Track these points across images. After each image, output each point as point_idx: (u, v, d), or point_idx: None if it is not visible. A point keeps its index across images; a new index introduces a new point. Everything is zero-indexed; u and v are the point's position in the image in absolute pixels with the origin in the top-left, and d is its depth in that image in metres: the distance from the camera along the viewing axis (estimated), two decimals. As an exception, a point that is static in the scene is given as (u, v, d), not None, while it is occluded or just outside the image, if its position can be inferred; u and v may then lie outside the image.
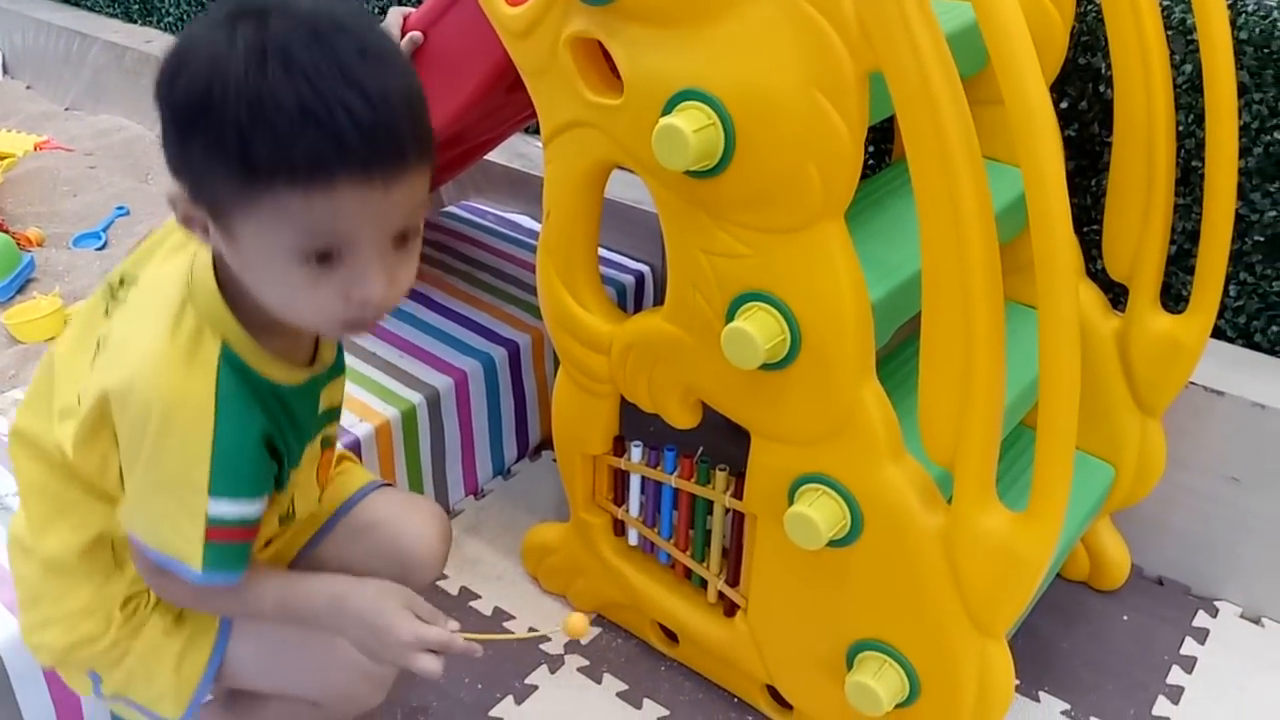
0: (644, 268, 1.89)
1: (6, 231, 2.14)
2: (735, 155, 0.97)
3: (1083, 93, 1.42)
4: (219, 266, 0.82)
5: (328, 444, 1.01)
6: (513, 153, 2.02)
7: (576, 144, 1.12)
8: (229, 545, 0.84)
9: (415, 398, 1.54)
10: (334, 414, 1.00)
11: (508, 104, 1.39)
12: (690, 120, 0.95)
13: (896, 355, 1.31)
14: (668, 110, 0.98)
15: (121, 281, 0.89)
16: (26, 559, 0.96)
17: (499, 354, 1.65)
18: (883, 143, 1.60)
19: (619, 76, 1.04)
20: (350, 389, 1.52)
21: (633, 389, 1.21)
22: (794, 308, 1.00)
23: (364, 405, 1.52)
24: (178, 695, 0.97)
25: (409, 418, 1.53)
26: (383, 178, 0.71)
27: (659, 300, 1.90)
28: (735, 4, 0.92)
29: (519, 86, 1.17)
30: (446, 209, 2.09)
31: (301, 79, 0.68)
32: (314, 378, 0.91)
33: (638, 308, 1.88)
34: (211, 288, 0.82)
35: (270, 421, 0.85)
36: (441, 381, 1.58)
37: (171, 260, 0.86)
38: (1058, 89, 1.40)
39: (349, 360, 1.56)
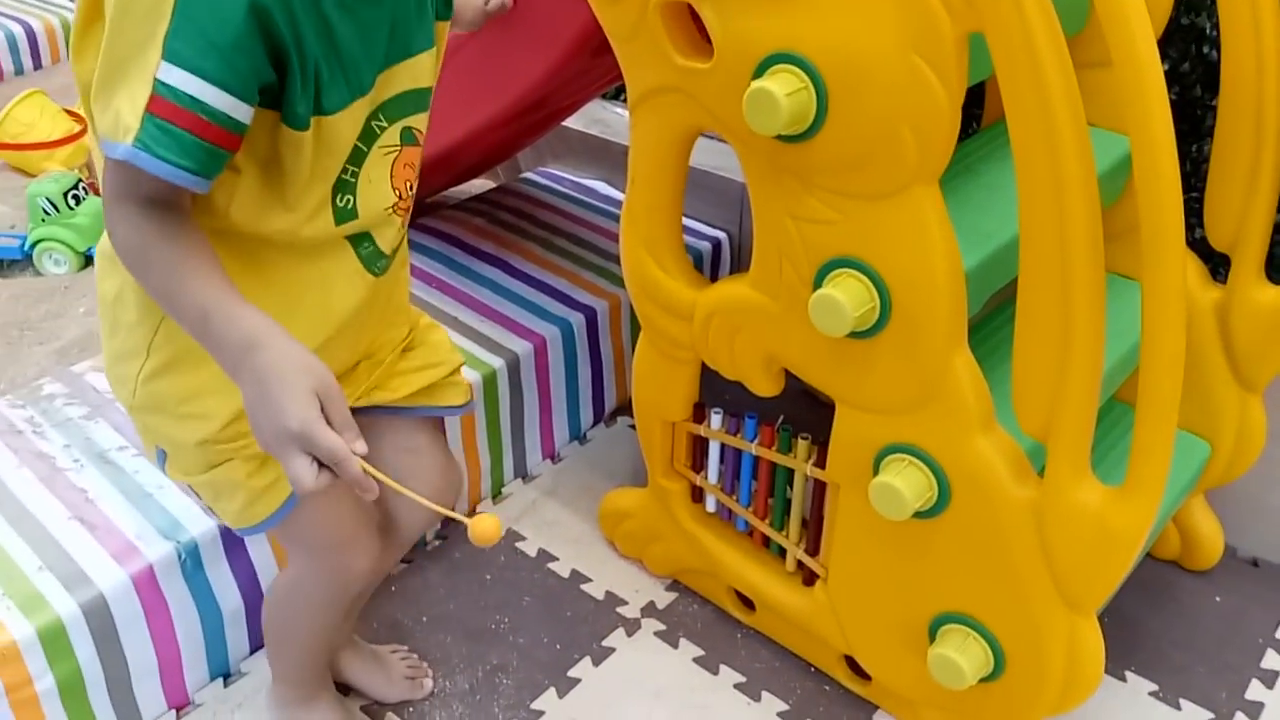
0: (721, 234, 1.87)
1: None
2: (827, 119, 0.95)
3: (1185, 54, 1.37)
4: None
5: (410, 139, 0.88)
6: (590, 119, 2.02)
7: (664, 109, 1.11)
8: (172, 126, 0.70)
9: (496, 362, 1.55)
10: (419, 99, 0.87)
11: (592, 69, 1.39)
12: (782, 83, 0.94)
13: (988, 323, 1.28)
14: (759, 74, 0.97)
15: None
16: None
17: (577, 320, 1.66)
18: (973, 106, 1.55)
19: (708, 40, 1.03)
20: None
21: (715, 356, 1.20)
22: (884, 275, 0.99)
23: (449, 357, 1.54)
24: (239, 520, 0.97)
25: (490, 382, 1.54)
26: None
27: (736, 268, 1.89)
28: (831, -37, 0.90)
29: (605, 50, 1.16)
30: (524, 175, 2.10)
31: None
32: None
33: (714, 275, 1.88)
34: None
35: (280, 7, 0.71)
36: (521, 347, 1.59)
37: None
38: (1160, 49, 1.35)
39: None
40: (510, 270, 1.77)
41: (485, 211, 1.96)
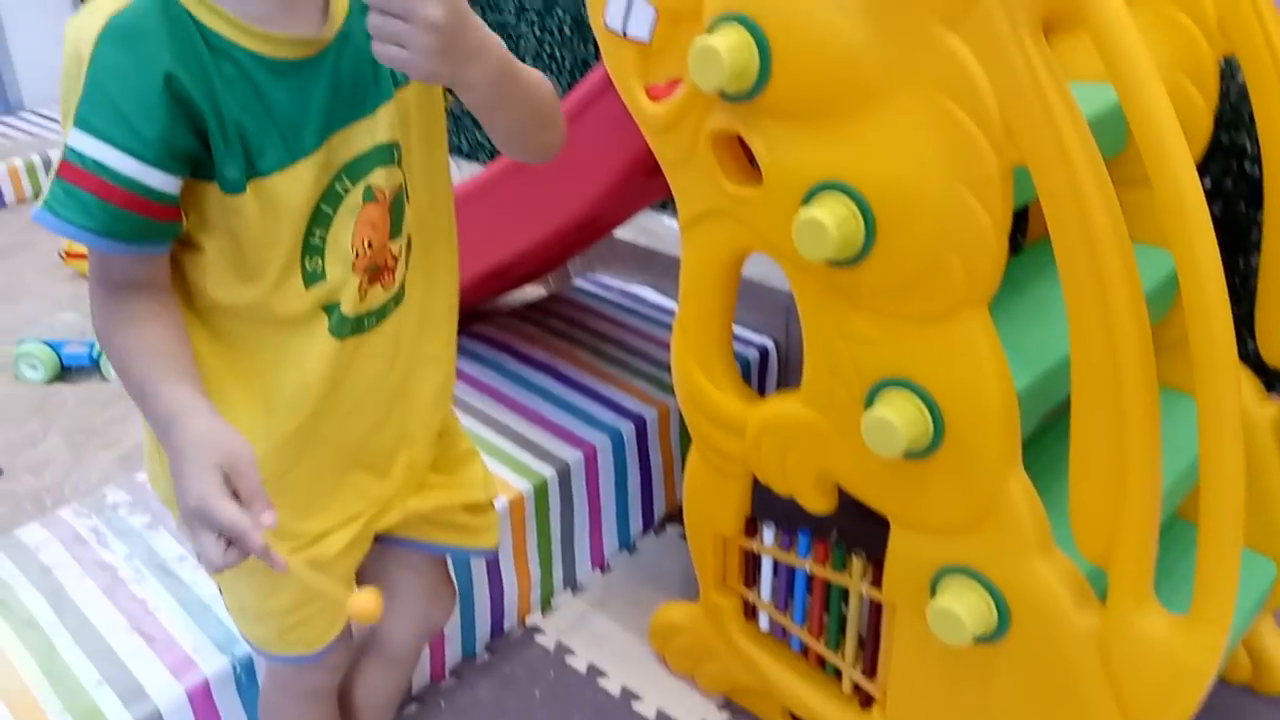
0: (768, 342, 1.89)
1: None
2: (876, 245, 0.97)
3: (1227, 170, 1.38)
4: None
5: (370, 196, 0.85)
6: (639, 228, 2.06)
7: (714, 232, 1.14)
8: (76, 189, 0.72)
9: (547, 471, 1.57)
10: (381, 155, 0.85)
11: (645, 189, 1.43)
12: (831, 212, 0.96)
13: (1042, 438, 1.27)
14: (807, 201, 0.99)
15: None
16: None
17: (626, 428, 1.67)
18: (1017, 221, 1.57)
19: (757, 167, 1.06)
20: (485, 461, 1.57)
21: (767, 471, 1.20)
22: (936, 395, 0.99)
23: (497, 478, 1.55)
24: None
25: (541, 492, 1.56)
26: None
27: (783, 375, 1.91)
28: (877, 101, 0.93)
29: (657, 172, 1.20)
30: (574, 282, 2.14)
31: None
32: (314, 59, 0.79)
33: (762, 383, 1.89)
34: None
35: (193, 76, 0.73)
36: (572, 455, 1.60)
37: None
38: (1201, 168, 1.36)
39: (481, 431, 1.62)
40: (561, 377, 1.80)
41: (536, 319, 2.00)
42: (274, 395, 0.87)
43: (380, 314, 0.90)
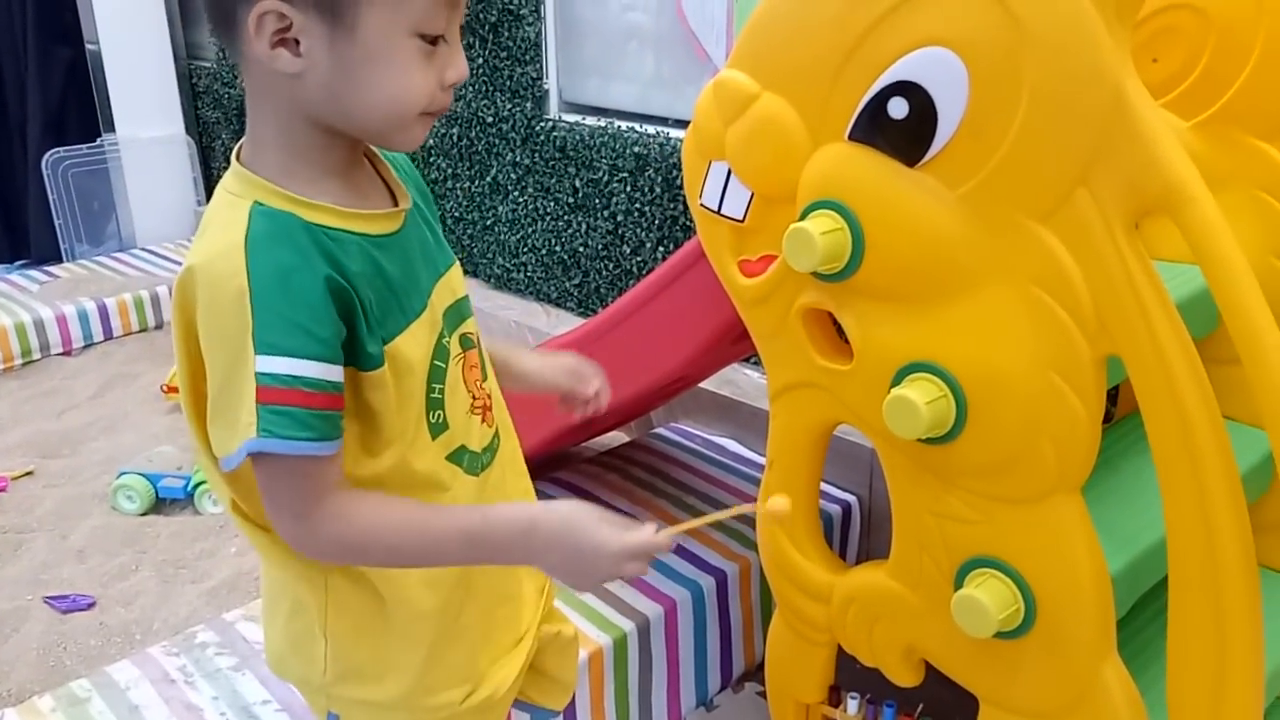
0: (851, 498, 1.89)
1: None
2: (967, 426, 0.98)
3: (1325, 346, 1.36)
4: (248, 153, 0.82)
5: (469, 344, 0.93)
6: (722, 379, 2.10)
7: (803, 402, 1.16)
8: (284, 407, 0.75)
9: (627, 625, 1.57)
10: (463, 307, 0.93)
11: (731, 352, 1.47)
12: (922, 392, 0.98)
13: (1136, 616, 1.24)
14: (898, 380, 1.01)
15: None
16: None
17: (707, 583, 1.67)
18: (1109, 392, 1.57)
19: (847, 341, 1.09)
20: (565, 612, 1.58)
21: (853, 642, 1.20)
22: (1028, 578, 0.99)
23: (577, 631, 1.56)
24: None
25: (620, 646, 1.55)
26: None
27: (866, 532, 1.89)
28: (970, 286, 0.96)
29: (745, 336, 1.24)
30: (655, 430, 2.17)
31: None
32: (401, 230, 0.85)
33: (844, 540, 1.88)
34: (244, 174, 0.80)
35: (336, 270, 0.77)
36: (652, 609, 1.60)
37: None
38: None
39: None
40: (641, 528, 1.81)
41: (618, 467, 2.02)
42: None
43: (492, 450, 0.96)
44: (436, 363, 0.88)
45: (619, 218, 2.28)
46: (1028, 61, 0.86)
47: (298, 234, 0.77)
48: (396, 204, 0.87)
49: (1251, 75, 1.15)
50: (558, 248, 2.48)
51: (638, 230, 2.26)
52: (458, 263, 0.94)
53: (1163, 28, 1.20)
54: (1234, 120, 1.18)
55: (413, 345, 0.85)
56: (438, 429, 0.89)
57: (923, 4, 0.91)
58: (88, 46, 3.46)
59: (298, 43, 0.76)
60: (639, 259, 2.28)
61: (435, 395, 0.88)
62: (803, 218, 1.02)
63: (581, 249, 2.42)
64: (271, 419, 0.75)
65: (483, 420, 0.94)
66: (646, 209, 2.22)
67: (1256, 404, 0.85)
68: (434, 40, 0.78)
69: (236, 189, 0.79)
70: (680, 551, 1.74)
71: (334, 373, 0.78)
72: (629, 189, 2.24)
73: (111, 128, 3.51)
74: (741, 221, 1.14)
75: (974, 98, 0.90)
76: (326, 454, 0.79)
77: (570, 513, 0.82)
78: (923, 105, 0.93)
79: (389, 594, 0.89)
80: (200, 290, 0.76)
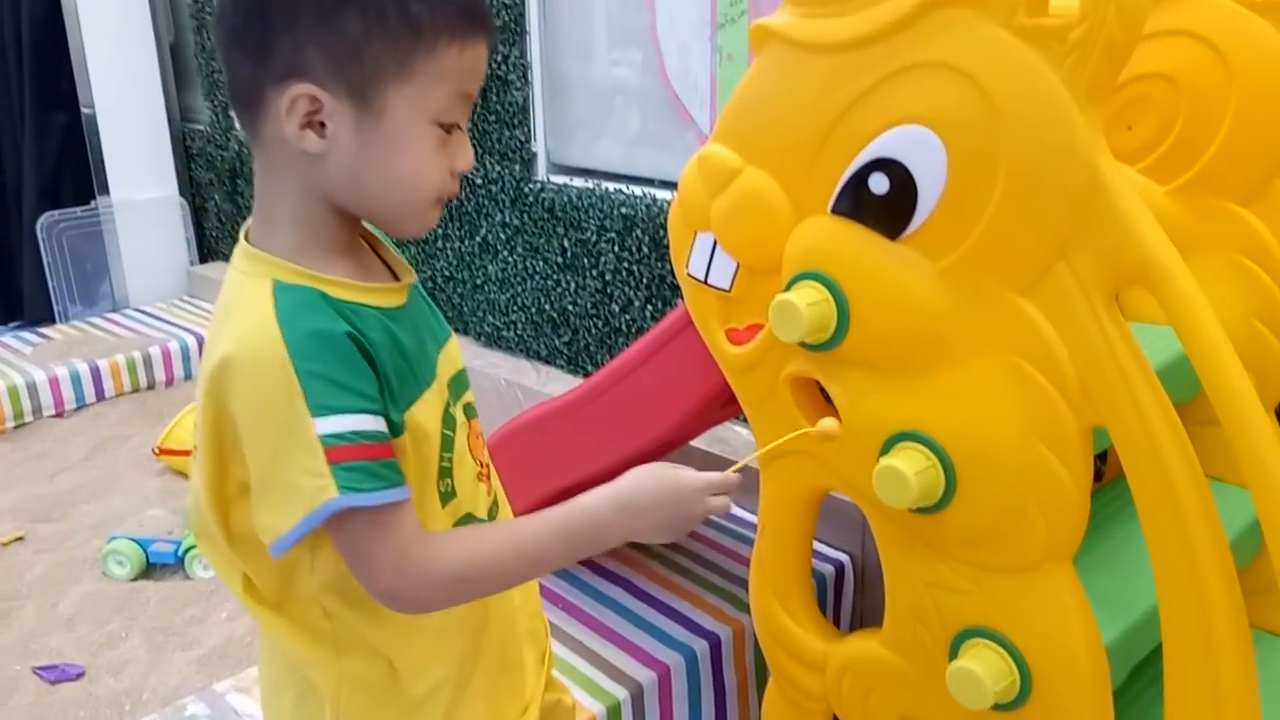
0: (843, 557, 1.88)
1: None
2: (956, 496, 0.99)
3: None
4: (259, 233, 0.83)
5: (471, 413, 0.95)
6: (712, 437, 2.10)
7: (793, 470, 1.16)
8: (358, 463, 0.76)
9: (620, 693, 1.55)
10: (463, 378, 0.96)
11: (722, 415, 1.47)
12: (911, 462, 0.98)
13: (1132, 684, 1.24)
14: (886, 449, 1.02)
15: None
16: None
17: (701, 647, 1.66)
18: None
19: (835, 409, 1.10)
20: (560, 680, 1.56)
21: (848, 711, 1.19)
22: (1022, 649, 0.99)
23: (575, 701, 1.54)
24: None
25: (614, 714, 1.54)
26: (487, 38, 0.82)
27: (859, 591, 1.88)
28: (955, 356, 0.97)
29: (734, 400, 1.24)
30: (648, 489, 2.17)
31: None
32: (407, 304, 0.88)
33: (838, 600, 1.87)
34: (257, 254, 0.81)
35: (362, 336, 0.79)
36: (646, 676, 1.59)
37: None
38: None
39: (556, 648, 1.62)
40: (634, 590, 1.80)
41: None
42: (446, 617, 0.90)
43: (492, 516, 0.97)
44: (446, 431, 0.89)
45: (607, 276, 2.30)
46: (1003, 141, 0.88)
47: (322, 304, 0.78)
48: (397, 279, 0.89)
49: (1224, 142, 1.18)
50: (547, 306, 2.49)
51: (626, 289, 2.27)
52: (454, 335, 0.96)
53: (1136, 96, 1.22)
54: (1209, 186, 1.20)
55: (427, 414, 0.87)
56: (447, 497, 0.90)
57: (901, 83, 0.93)
58: (83, 110, 3.50)
59: (324, 125, 0.78)
60: (628, 317, 2.30)
61: (445, 464, 0.89)
62: (788, 289, 1.03)
63: (571, 307, 2.43)
64: (348, 476, 0.75)
65: (487, 488, 0.96)
66: (634, 268, 2.24)
67: (1240, 470, 0.86)
68: (449, 129, 0.81)
69: (250, 269, 0.81)
70: (672, 613, 1.73)
71: (383, 423, 0.79)
72: (617, 249, 2.26)
73: (106, 190, 3.53)
74: (728, 291, 1.16)
75: (952, 175, 0.91)
76: (404, 499, 0.79)
77: (644, 469, 0.87)
78: (903, 181, 0.95)
79: (404, 667, 0.89)
80: (238, 373, 0.76)
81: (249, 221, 0.85)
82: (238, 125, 0.84)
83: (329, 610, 0.87)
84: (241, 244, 0.83)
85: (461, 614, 0.91)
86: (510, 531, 0.85)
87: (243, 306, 0.79)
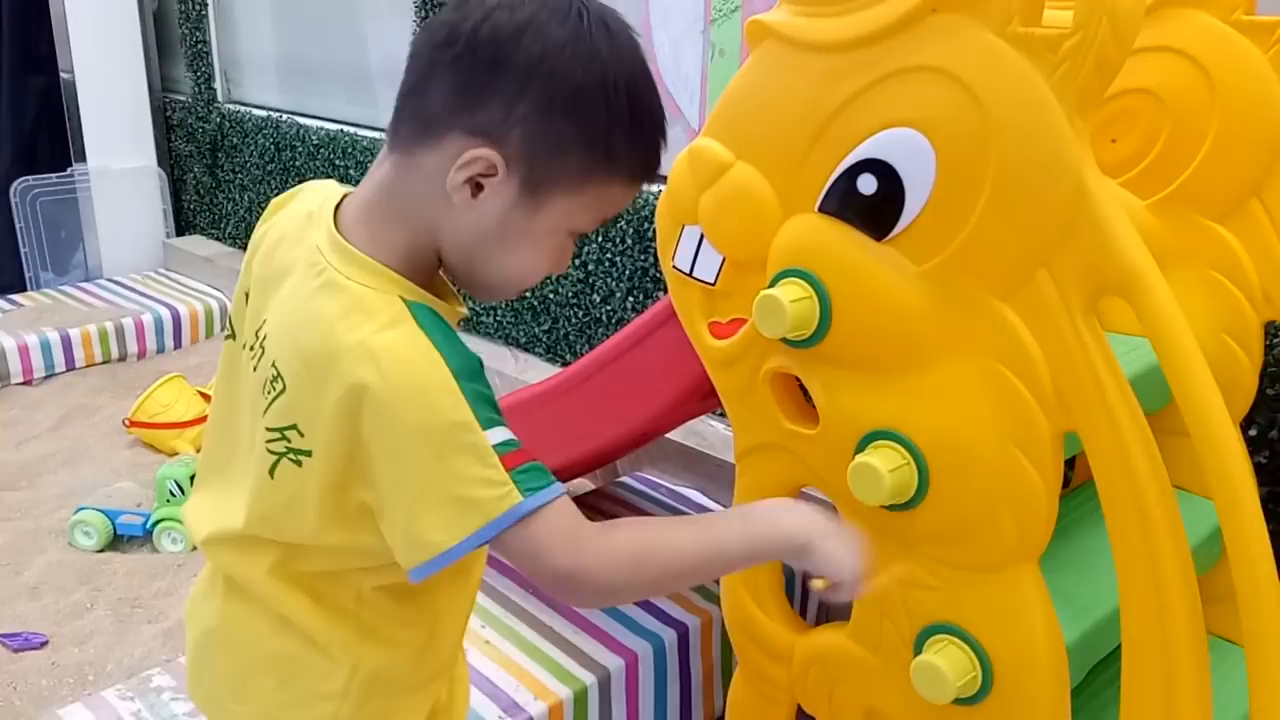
0: (813, 552, 1.90)
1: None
2: (929, 494, 1.01)
3: (1273, 421, 1.41)
4: (366, 243, 0.82)
5: None
6: (688, 430, 2.11)
7: (769, 464, 1.18)
8: (528, 465, 0.78)
9: (588, 679, 1.56)
10: None
11: (701, 407, 1.48)
12: (885, 460, 1.00)
13: (1089, 684, 1.27)
14: (861, 447, 1.04)
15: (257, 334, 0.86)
16: None
17: (669, 636, 1.67)
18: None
19: (813, 406, 1.11)
20: (526, 664, 1.57)
21: (813, 703, 1.21)
22: (985, 646, 1.01)
23: (538, 682, 1.55)
24: None
25: (580, 700, 1.55)
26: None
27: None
28: (933, 358, 0.99)
29: (713, 393, 1.26)
30: (621, 479, 2.18)
31: (654, 93, 0.82)
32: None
33: (806, 593, 1.89)
34: (370, 265, 0.81)
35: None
36: (613, 662, 1.60)
37: (309, 298, 0.82)
38: (1246, 417, 1.40)
39: (522, 631, 1.63)
40: (604, 579, 1.81)
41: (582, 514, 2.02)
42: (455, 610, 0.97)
43: None
44: None
45: (590, 267, 2.31)
46: (993, 147, 0.89)
47: (445, 323, 0.81)
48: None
49: (1205, 159, 1.20)
50: (528, 294, 2.50)
51: (608, 280, 2.28)
52: None
53: (1121, 110, 1.24)
54: (1189, 201, 1.22)
55: None
56: None
57: (895, 86, 0.95)
58: (62, 75, 3.45)
59: (481, 187, 0.80)
60: (609, 308, 2.31)
61: None
62: (772, 285, 1.05)
63: (551, 296, 2.44)
64: (525, 478, 0.77)
65: None
66: (617, 259, 2.24)
67: (1205, 478, 0.88)
68: (574, 238, 0.85)
69: (372, 282, 0.80)
70: (641, 602, 1.74)
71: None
72: (600, 239, 2.27)
73: (83, 157, 3.49)
74: (713, 285, 1.17)
75: (940, 178, 0.93)
76: (565, 493, 0.81)
77: (796, 516, 0.86)
78: (891, 182, 0.96)
79: (417, 653, 0.93)
80: (396, 392, 0.76)
81: (339, 219, 0.83)
82: (389, 130, 0.83)
83: (364, 597, 0.89)
84: (346, 246, 0.81)
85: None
86: (683, 518, 0.86)
87: (381, 320, 0.78)
